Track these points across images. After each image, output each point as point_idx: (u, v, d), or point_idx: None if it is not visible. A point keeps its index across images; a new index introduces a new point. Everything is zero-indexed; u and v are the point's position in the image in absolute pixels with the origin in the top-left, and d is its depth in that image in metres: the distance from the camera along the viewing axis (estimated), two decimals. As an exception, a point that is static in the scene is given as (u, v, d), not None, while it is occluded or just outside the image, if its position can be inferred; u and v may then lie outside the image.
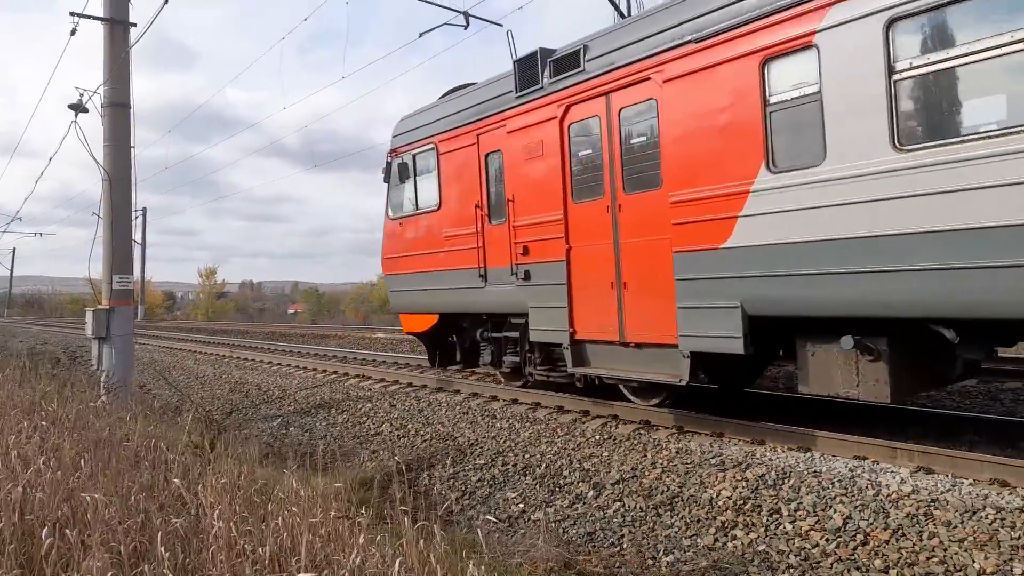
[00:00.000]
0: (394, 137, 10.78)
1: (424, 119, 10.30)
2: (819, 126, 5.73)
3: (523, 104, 8.52)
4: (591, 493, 6.23)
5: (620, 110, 7.46)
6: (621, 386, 8.12)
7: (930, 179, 5.10)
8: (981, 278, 4.86)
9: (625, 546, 5.34)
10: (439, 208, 9.93)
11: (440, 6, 11.48)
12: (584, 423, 8.17)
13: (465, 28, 11.23)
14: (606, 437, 7.54)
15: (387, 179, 10.80)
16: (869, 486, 5.51)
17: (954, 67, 5.06)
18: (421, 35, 11.99)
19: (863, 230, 5.46)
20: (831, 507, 5.29)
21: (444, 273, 9.81)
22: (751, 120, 6.15)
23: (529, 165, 8.44)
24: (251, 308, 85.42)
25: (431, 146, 10.05)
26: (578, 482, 6.50)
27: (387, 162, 10.75)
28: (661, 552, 5.16)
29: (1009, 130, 4.79)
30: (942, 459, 5.83)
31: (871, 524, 4.98)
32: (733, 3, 6.30)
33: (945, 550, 4.57)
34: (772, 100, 6.05)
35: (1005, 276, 4.75)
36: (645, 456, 6.83)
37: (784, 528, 5.18)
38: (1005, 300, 4.78)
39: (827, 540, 4.92)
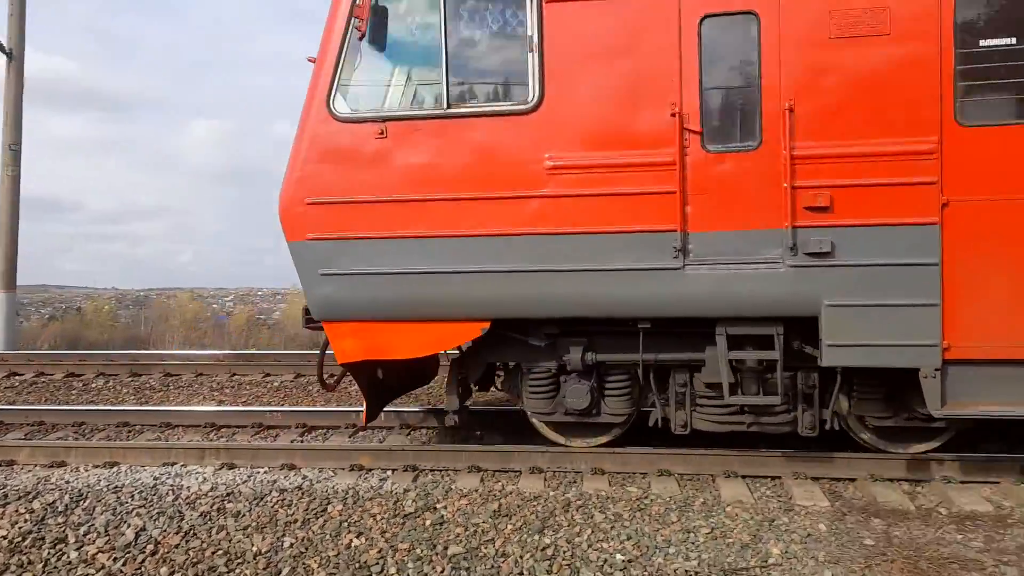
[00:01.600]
0: None
1: None
2: None
3: None
4: None
5: None
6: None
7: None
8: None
9: None
10: (537, 107, 5.32)
11: None
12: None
13: None
14: None
15: (347, 29, 5.46)
16: (170, 492, 5.45)
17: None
18: None
19: None
20: (125, 522, 5.01)
21: (552, 239, 5.31)
22: None
23: (840, 47, 4.96)
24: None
25: None
26: None
27: None
28: None
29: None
30: (244, 453, 6.20)
31: (164, 531, 4.90)
32: None
33: (231, 540, 4.80)
34: None
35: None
36: None
37: (68, 558, 4.65)
38: None
39: (115, 559, 4.64)
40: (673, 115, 5.09)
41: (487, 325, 5.48)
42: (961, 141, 4.82)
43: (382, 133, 5.39)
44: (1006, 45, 4.79)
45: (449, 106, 5.36)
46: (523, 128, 5.29)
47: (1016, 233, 4.80)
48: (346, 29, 5.39)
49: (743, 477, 5.62)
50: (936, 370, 4.88)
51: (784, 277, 5.04)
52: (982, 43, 4.83)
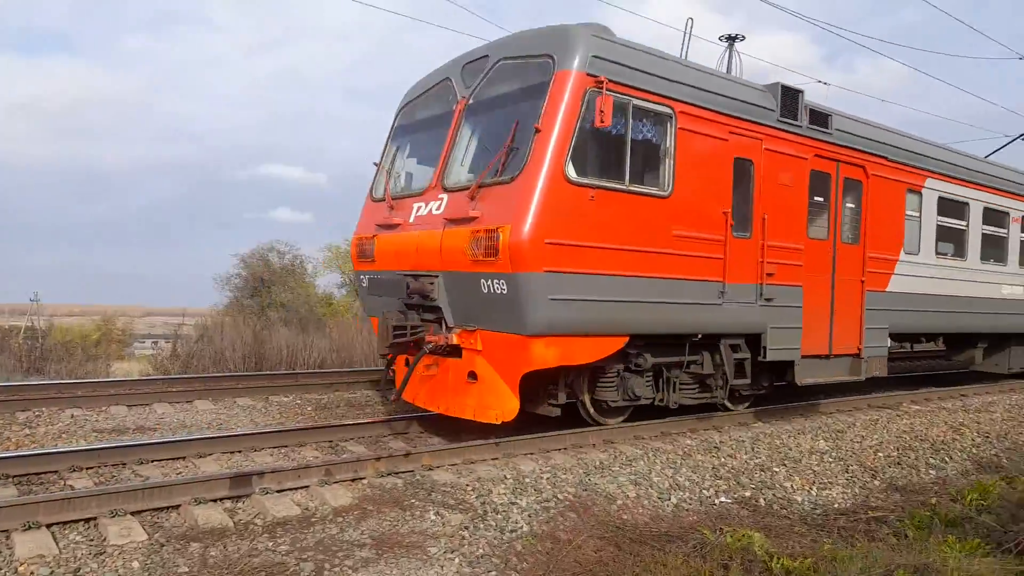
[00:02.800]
0: (602, 60, 7.00)
1: (655, 65, 7.51)
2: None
3: (782, 130, 8.79)
4: None
5: (844, 178, 9.69)
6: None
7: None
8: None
9: None
10: (670, 195, 7.55)
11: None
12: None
13: None
14: None
15: (579, 116, 6.75)
16: None
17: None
18: None
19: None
20: None
21: (670, 282, 7.58)
22: (901, 220, 10.62)
23: (780, 190, 8.75)
24: None
25: (667, 109, 7.54)
26: None
27: (590, 89, 6.82)
28: None
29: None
30: None
31: None
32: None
33: None
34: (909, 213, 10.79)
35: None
36: None
37: None
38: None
39: None
40: (724, 213, 8.10)
41: (627, 339, 7.43)
42: (808, 247, 9.17)
43: (592, 197, 6.89)
44: (819, 207, 9.55)
45: (629, 184, 7.23)
46: (661, 207, 7.49)
47: (817, 292, 9.30)
48: (579, 115, 6.77)
49: (48, 526, 4.84)
50: (798, 361, 9.08)
51: (756, 311, 8.52)
52: (812, 204, 9.31)
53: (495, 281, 6.67)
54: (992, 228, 12.69)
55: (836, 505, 7.00)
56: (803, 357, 9.07)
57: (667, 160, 7.58)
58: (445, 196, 7.47)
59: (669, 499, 6.55)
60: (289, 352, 14.44)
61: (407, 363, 7.79)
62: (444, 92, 8.18)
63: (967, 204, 12.04)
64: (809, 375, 9.23)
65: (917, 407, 11.34)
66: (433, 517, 5.53)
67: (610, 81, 6.87)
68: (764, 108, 8.61)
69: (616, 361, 7.67)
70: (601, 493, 6.38)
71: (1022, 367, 14.10)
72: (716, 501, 6.70)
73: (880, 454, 8.55)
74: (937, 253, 11.46)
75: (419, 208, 7.75)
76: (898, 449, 8.82)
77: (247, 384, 10.99)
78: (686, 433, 8.54)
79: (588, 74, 6.83)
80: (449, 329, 7.35)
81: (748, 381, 8.73)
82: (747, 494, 6.93)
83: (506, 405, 7.03)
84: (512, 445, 7.38)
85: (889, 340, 10.55)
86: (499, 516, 5.66)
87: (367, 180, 9.27)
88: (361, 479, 6.28)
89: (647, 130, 7.47)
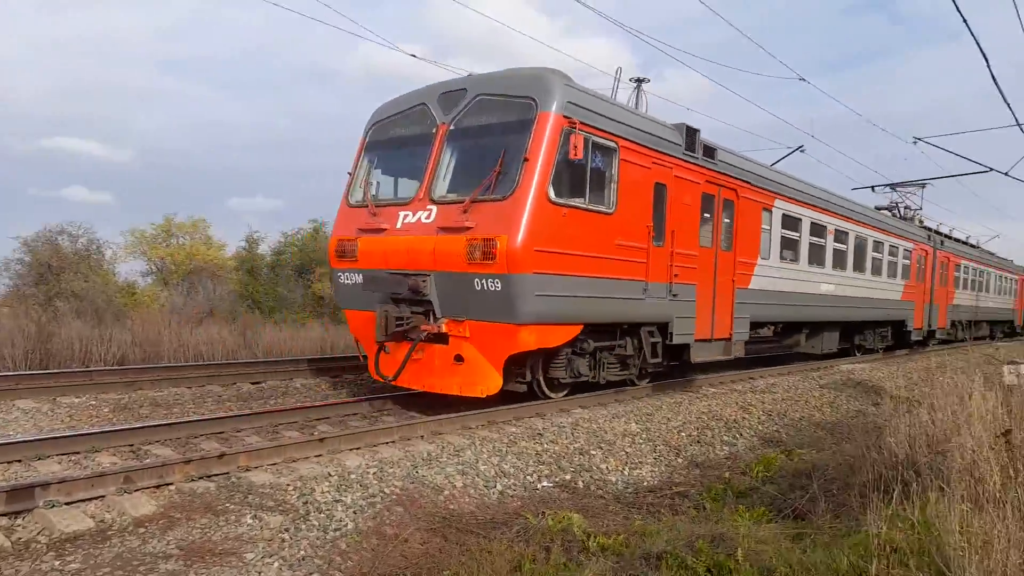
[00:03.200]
0: (573, 105, 8.67)
1: (607, 109, 9.35)
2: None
3: (686, 161, 10.81)
4: None
5: (723, 199, 11.88)
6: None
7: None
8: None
9: None
10: (613, 212, 9.30)
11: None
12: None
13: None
14: None
15: (558, 150, 8.39)
16: None
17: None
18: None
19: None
20: None
21: (613, 281, 9.38)
22: (759, 232, 13.04)
23: (683, 208, 10.72)
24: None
25: (614, 144, 9.30)
26: None
27: (566, 129, 8.44)
28: None
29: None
30: None
31: None
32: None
33: None
34: (764, 227, 13.33)
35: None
36: None
37: None
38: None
39: None
40: (647, 226, 9.90)
41: (582, 327, 9.14)
42: (700, 253, 11.21)
43: (564, 214, 8.51)
44: (706, 223, 11.73)
45: (587, 203, 8.87)
46: (608, 221, 9.21)
47: (705, 290, 11.40)
48: (558, 149, 8.36)
49: None
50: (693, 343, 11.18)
51: (667, 304, 10.41)
52: (703, 220, 11.40)
53: (490, 280, 8.06)
54: (815, 238, 15.49)
55: (645, 483, 7.55)
56: (696, 340, 11.25)
57: (612, 184, 9.29)
58: (434, 207, 8.73)
59: (495, 486, 6.70)
60: (83, 347, 12.94)
61: (383, 349, 9.05)
62: (422, 116, 9.42)
63: (800, 219, 14.77)
64: (699, 355, 11.48)
65: (714, 389, 12.54)
66: (250, 521, 5.23)
67: (580, 123, 8.56)
68: (674, 143, 10.60)
69: (567, 346, 9.22)
70: (429, 485, 6.39)
71: (831, 349, 17.50)
72: (539, 486, 6.96)
73: (683, 434, 9.35)
74: (781, 258, 14.06)
75: (406, 216, 8.93)
76: (698, 428, 9.69)
77: (29, 384, 9.71)
78: (511, 421, 8.79)
79: (564, 116, 8.44)
80: (437, 319, 8.56)
81: (660, 360, 10.84)
82: (567, 477, 7.27)
83: (491, 382, 8.48)
84: (337, 441, 7.18)
85: (749, 327, 12.90)
86: (322, 515, 5.47)
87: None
88: (168, 485, 5.79)
89: (600, 161, 9.15)
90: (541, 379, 9.46)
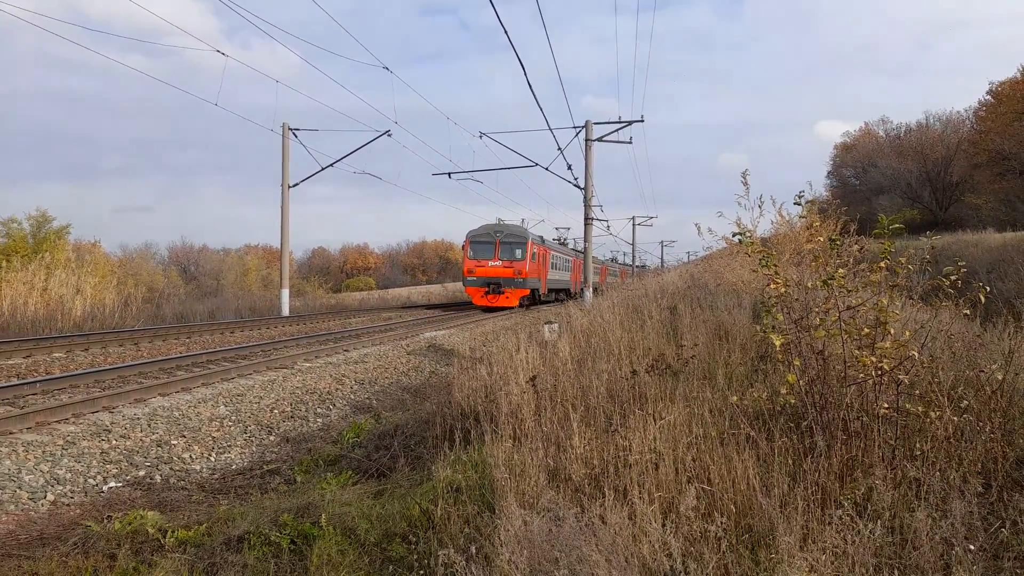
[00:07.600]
0: (534, 235, 34.29)
1: (539, 237, 35.42)
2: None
3: (542, 244, 35.60)
4: None
5: (542, 251, 35.27)
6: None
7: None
8: None
9: None
10: (536, 261, 33.54)
11: None
12: None
13: None
14: None
15: (532, 251, 32.87)
16: None
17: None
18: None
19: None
20: None
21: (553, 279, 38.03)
22: (549, 261, 37.67)
23: (548, 256, 37.55)
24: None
25: (541, 243, 35.27)
26: None
27: (535, 244, 33.65)
28: None
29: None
30: None
31: None
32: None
33: None
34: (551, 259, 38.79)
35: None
36: None
37: None
38: None
39: None
40: (542, 262, 36.08)
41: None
42: (544, 267, 37.45)
43: (533, 262, 33.09)
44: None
45: (534, 260, 33.74)
46: (538, 262, 34.61)
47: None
48: (533, 251, 33.81)
49: None
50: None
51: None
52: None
53: (517, 279, 31.40)
54: (559, 259, 40.07)
55: (234, 466, 7.25)
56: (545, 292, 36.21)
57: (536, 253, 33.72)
58: (499, 262, 31.43)
59: (45, 497, 5.71)
60: None
61: (485, 296, 31.55)
62: (491, 235, 32.19)
63: (554, 253, 38.34)
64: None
65: (309, 364, 12.61)
66: None
67: (540, 243, 34.45)
68: (543, 238, 36.11)
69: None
70: (-54, 510, 5.14)
71: (559, 300, 38.47)
72: (104, 488, 6.14)
73: (276, 411, 9.21)
74: (553, 268, 37.57)
75: (490, 263, 31.57)
76: (291, 404, 9.65)
77: None
78: (69, 419, 7.57)
79: (532, 241, 32.61)
80: (501, 289, 31.35)
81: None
82: (141, 473, 6.57)
83: (515, 304, 31.42)
84: None
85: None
86: None
87: None
88: None
89: (535, 249, 33.14)
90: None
